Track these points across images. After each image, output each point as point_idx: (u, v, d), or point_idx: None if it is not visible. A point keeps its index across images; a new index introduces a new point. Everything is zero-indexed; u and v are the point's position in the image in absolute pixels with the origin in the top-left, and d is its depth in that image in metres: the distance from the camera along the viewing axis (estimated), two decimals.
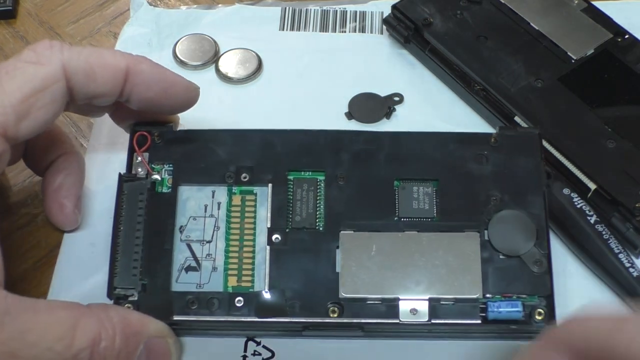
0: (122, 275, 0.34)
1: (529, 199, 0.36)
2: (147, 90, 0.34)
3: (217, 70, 0.47)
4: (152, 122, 0.38)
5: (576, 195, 0.39)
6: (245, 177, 0.37)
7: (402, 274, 0.35)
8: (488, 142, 0.37)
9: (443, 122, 0.44)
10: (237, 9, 0.50)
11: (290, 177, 0.37)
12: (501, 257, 0.35)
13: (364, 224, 0.36)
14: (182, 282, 0.35)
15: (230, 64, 0.47)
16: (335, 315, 0.34)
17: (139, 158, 0.37)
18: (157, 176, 0.37)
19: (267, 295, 0.35)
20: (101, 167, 0.42)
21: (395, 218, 0.36)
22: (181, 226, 0.36)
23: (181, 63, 0.47)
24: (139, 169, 0.37)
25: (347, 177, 0.37)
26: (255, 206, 0.37)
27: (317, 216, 0.36)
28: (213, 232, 0.36)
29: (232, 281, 0.35)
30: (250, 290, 0.35)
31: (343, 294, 0.34)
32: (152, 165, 0.37)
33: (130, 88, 0.34)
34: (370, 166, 0.37)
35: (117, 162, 0.41)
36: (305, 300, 0.34)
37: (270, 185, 0.36)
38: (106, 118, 0.39)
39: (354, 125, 0.44)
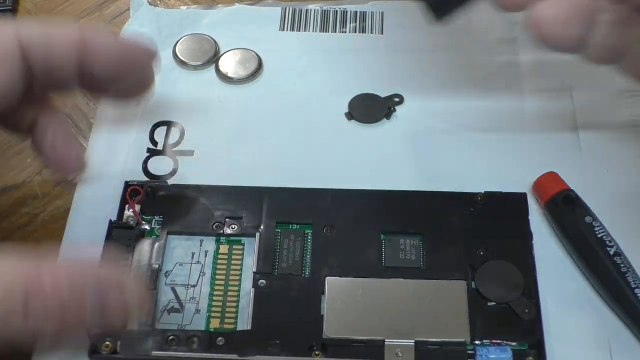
0: None
1: (516, 253, 0.38)
2: (107, 58, 0.34)
3: (218, 71, 0.48)
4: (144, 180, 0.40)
5: (598, 225, 0.39)
6: (233, 228, 0.38)
7: (388, 317, 0.35)
8: (475, 201, 0.39)
9: (443, 123, 0.45)
10: (238, 9, 0.51)
11: (278, 230, 0.38)
12: (489, 304, 0.36)
13: (350, 271, 0.37)
14: (164, 323, 0.36)
15: (230, 64, 0.48)
16: (319, 356, 0.34)
17: (131, 209, 0.39)
18: (146, 226, 0.38)
19: (249, 335, 0.35)
20: (102, 166, 0.42)
21: (382, 267, 0.37)
22: (167, 271, 0.37)
23: (181, 63, 0.48)
24: (130, 219, 0.39)
25: (335, 230, 0.38)
26: (242, 255, 0.38)
27: (304, 264, 0.37)
28: (199, 277, 0.37)
29: (215, 323, 0.36)
30: (233, 330, 0.35)
31: (327, 334, 0.35)
32: (143, 217, 0.39)
33: (90, 57, 0.34)
34: (357, 221, 0.39)
35: (118, 163, 0.43)
36: (289, 340, 0.35)
37: (258, 235, 0.38)
38: (105, 118, 0.42)
39: (354, 126, 0.45)
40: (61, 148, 0.37)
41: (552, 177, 0.41)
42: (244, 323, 0.36)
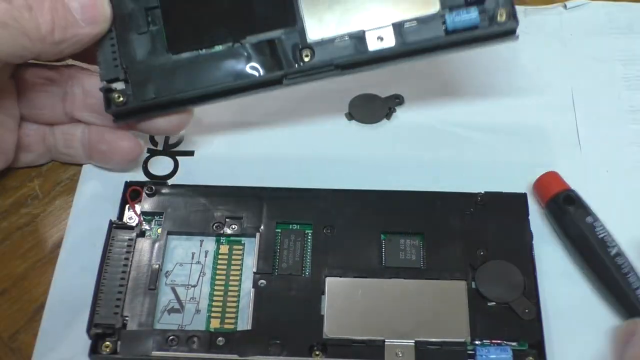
0: (104, 312, 0.35)
1: (516, 253, 0.38)
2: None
3: None
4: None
5: (599, 225, 0.39)
6: (234, 228, 0.39)
7: (388, 317, 0.36)
8: (474, 201, 0.39)
9: (442, 123, 0.45)
10: None
11: (278, 230, 0.39)
12: (489, 304, 0.36)
13: (350, 271, 0.37)
14: (164, 322, 0.36)
15: None
16: (319, 356, 0.35)
17: (131, 209, 0.39)
18: (146, 226, 0.39)
19: (249, 335, 0.35)
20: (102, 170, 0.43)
21: (382, 267, 0.37)
22: (167, 271, 0.38)
23: None
24: (130, 218, 0.39)
25: (334, 230, 0.39)
26: (242, 255, 0.38)
27: (304, 264, 0.37)
28: (199, 277, 0.37)
29: (215, 323, 0.36)
30: (233, 330, 0.36)
31: (327, 334, 0.35)
32: (143, 217, 0.39)
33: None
34: (357, 221, 0.39)
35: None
36: (289, 340, 0.35)
37: (258, 235, 0.38)
38: None
39: (354, 126, 0.45)
40: (109, 140, 0.40)
41: (552, 176, 0.41)
42: (244, 323, 0.36)
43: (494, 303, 0.36)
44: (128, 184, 0.40)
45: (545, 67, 0.48)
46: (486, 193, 0.40)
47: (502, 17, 0.38)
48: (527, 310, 0.36)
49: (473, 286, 0.37)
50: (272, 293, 0.36)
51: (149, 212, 0.39)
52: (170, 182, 0.42)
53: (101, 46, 0.39)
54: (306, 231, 0.39)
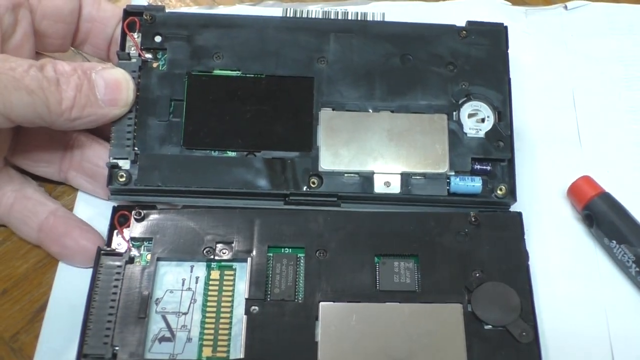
0: (93, 343, 0.35)
1: (512, 274, 0.38)
2: None
3: None
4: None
5: (614, 244, 0.40)
6: (224, 253, 0.39)
7: (384, 343, 0.36)
8: (468, 221, 0.40)
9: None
10: (238, 10, 0.51)
11: (270, 254, 0.38)
12: (486, 327, 0.36)
13: (344, 296, 0.37)
14: (155, 352, 0.36)
15: None
16: None
17: (119, 235, 0.39)
18: (135, 252, 0.38)
19: None
20: None
21: (376, 291, 0.37)
22: (157, 298, 0.37)
23: None
24: (119, 244, 0.39)
25: (327, 253, 0.38)
26: (234, 280, 0.38)
27: (296, 289, 0.37)
28: (190, 304, 0.37)
29: (207, 352, 0.36)
30: (225, 359, 0.36)
31: None
32: (132, 243, 0.39)
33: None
34: (350, 243, 0.39)
35: None
36: None
37: (249, 260, 0.38)
38: None
39: None
40: (70, 242, 0.40)
41: (586, 181, 0.42)
42: (237, 351, 0.36)
43: (491, 326, 0.36)
44: (116, 209, 0.40)
45: (546, 67, 0.49)
46: (480, 213, 0.40)
47: (501, 191, 0.40)
48: (524, 334, 0.36)
49: (469, 309, 0.37)
50: (264, 320, 0.36)
51: (138, 237, 0.39)
52: (159, 205, 0.41)
53: (118, 124, 0.40)
54: (298, 255, 0.38)
